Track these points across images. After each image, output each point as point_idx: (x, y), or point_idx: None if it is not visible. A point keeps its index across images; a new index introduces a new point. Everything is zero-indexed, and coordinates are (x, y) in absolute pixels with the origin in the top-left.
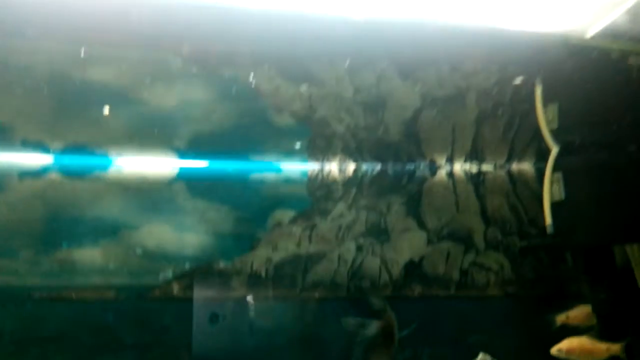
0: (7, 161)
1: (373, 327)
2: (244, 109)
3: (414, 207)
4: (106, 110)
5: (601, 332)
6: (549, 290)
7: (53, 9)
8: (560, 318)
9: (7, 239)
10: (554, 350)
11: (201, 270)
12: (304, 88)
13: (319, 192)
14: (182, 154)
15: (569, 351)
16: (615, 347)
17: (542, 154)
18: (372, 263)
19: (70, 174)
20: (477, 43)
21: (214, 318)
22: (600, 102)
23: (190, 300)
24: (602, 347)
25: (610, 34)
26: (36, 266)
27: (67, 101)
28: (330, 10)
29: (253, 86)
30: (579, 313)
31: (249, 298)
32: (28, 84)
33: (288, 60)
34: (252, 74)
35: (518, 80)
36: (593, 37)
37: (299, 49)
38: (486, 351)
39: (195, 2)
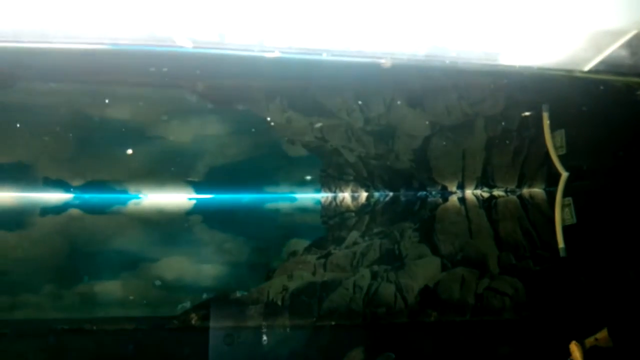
0: (29, 198)
1: None
2: (257, 142)
3: (427, 233)
4: (129, 151)
5: (619, 354)
6: (565, 313)
7: (73, 53)
8: (589, 341)
9: (30, 273)
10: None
11: (218, 300)
12: (317, 125)
13: (333, 220)
14: (199, 187)
15: None
16: None
17: (552, 179)
18: (387, 290)
19: (91, 209)
20: (483, 77)
21: (228, 339)
22: (607, 128)
23: (208, 329)
24: None
25: (611, 67)
26: (58, 300)
27: (87, 139)
28: (341, 49)
29: (266, 120)
30: (606, 334)
31: None
32: (49, 124)
33: (300, 94)
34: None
35: (526, 112)
36: (593, 71)
37: (310, 82)
38: None
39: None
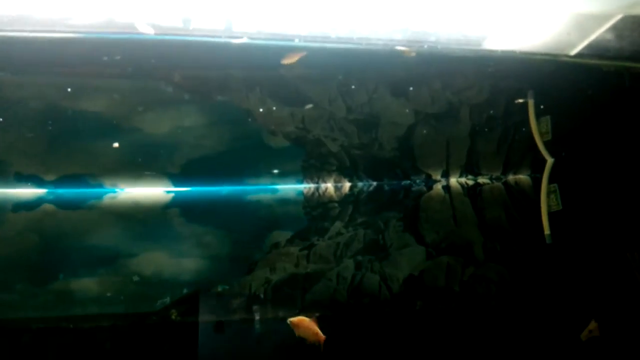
0: (0, 194)
1: None
2: (237, 133)
3: (412, 222)
4: (116, 144)
5: (607, 340)
6: (551, 300)
7: (44, 43)
8: (584, 334)
9: (3, 272)
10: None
11: (199, 294)
12: (309, 106)
13: (316, 211)
14: (177, 180)
15: None
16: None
17: (538, 165)
18: (372, 280)
19: (65, 204)
20: (467, 63)
21: (219, 327)
22: (593, 113)
23: (188, 325)
24: None
25: (597, 51)
26: (33, 298)
27: (60, 133)
28: (320, 33)
29: (246, 110)
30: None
31: None
32: (21, 117)
33: (280, 83)
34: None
35: (512, 99)
36: (579, 55)
37: (291, 71)
38: None
39: (184, 31)
